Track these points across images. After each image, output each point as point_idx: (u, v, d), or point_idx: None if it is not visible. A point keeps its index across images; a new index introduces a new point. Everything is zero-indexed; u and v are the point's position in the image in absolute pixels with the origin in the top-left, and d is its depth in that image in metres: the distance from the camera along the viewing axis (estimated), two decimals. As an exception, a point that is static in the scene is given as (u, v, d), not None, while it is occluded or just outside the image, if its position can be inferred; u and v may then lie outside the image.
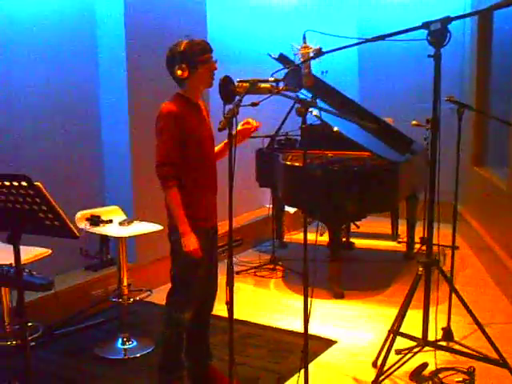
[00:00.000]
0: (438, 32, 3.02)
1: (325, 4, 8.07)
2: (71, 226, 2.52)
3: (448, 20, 2.99)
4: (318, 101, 5.32)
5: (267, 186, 6.19)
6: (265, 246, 6.57)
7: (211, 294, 3.44)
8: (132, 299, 4.15)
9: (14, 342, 3.34)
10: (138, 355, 4.00)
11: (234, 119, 2.72)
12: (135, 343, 4.12)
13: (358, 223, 7.11)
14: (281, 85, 3.06)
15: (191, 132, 3.08)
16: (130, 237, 4.02)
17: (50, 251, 3.45)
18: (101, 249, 4.87)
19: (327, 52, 3.59)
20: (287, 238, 6.83)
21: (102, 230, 4.01)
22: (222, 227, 6.14)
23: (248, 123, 3.33)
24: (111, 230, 3.99)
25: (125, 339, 4.11)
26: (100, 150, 5.10)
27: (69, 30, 4.80)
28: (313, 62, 8.02)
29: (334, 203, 4.90)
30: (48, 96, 4.66)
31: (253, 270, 5.82)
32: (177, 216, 3.06)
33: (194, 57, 3.06)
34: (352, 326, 4.45)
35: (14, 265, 2.91)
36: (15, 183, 2.38)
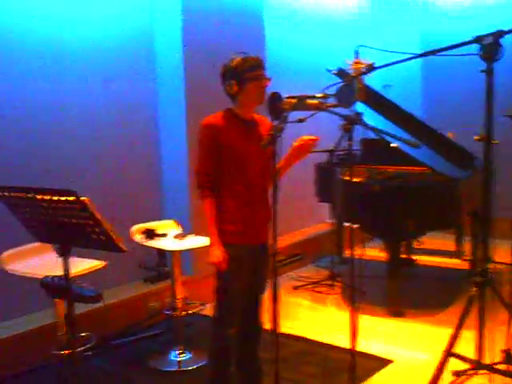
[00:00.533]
0: (489, 46, 2.94)
1: (387, 15, 8.00)
2: (117, 241, 2.57)
3: (500, 34, 2.90)
4: (372, 115, 5.29)
5: (326, 200, 6.14)
6: (325, 261, 6.51)
7: (256, 310, 3.39)
8: (185, 312, 4.18)
9: (67, 352, 3.40)
10: (192, 368, 4.03)
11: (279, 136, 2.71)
12: (189, 356, 4.16)
13: (420, 239, 6.96)
14: (329, 101, 3.03)
15: (228, 146, 3.08)
16: (183, 250, 4.05)
17: (104, 263, 3.52)
18: (159, 262, 4.94)
19: (379, 67, 3.56)
20: (348, 253, 6.74)
21: (156, 243, 4.07)
22: (281, 242, 6.23)
23: (303, 141, 3.29)
24: (165, 244, 4.04)
25: (179, 351, 4.16)
26: (159, 165, 5.20)
27: (128, 49, 4.95)
28: (375, 76, 7.97)
29: (392, 220, 4.82)
30: (108, 112, 4.82)
31: (311, 286, 5.77)
32: (207, 226, 3.10)
33: (244, 73, 3.07)
34: (409, 346, 4.35)
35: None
36: (63, 198, 2.45)
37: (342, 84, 4.13)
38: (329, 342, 4.41)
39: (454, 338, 3.23)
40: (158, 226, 4.26)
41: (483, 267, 3.24)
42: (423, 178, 5.11)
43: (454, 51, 2.99)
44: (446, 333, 4.32)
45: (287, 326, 4.72)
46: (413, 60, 3.49)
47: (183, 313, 4.17)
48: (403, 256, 6.31)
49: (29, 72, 4.28)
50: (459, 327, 3.24)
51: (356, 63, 4.04)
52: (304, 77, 6.49)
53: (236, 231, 3.15)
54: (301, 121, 2.88)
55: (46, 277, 2.95)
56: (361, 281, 5.80)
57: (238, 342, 3.36)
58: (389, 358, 4.13)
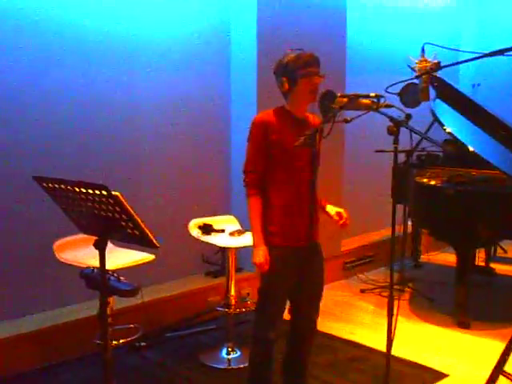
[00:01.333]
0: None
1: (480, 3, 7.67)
2: (151, 236, 2.58)
3: None
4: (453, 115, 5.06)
5: (402, 202, 5.95)
6: (399, 265, 6.32)
7: (307, 312, 3.31)
8: (238, 309, 4.16)
9: (115, 342, 3.46)
10: (242, 366, 4.00)
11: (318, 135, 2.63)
12: (239, 354, 4.14)
13: (505, 247, 6.64)
14: (382, 100, 2.91)
15: (278, 143, 3.00)
16: (239, 247, 4.03)
17: (153, 257, 3.54)
18: (222, 256, 4.95)
19: (445, 66, 3.36)
20: (424, 258, 6.53)
21: (211, 238, 4.06)
22: (353, 243, 6.12)
23: (339, 215, 3.21)
24: (219, 240, 4.03)
25: (229, 349, 4.15)
26: (228, 161, 5.20)
27: (204, 45, 4.99)
28: (465, 75, 7.66)
29: (464, 226, 4.61)
30: (181, 107, 4.88)
31: (378, 290, 5.62)
32: (251, 226, 3.05)
33: (295, 70, 2.99)
34: (468, 360, 4.13)
35: (111, 270, 3.08)
36: (97, 192, 2.48)
37: (406, 83, 4.00)
38: (383, 351, 4.25)
39: (504, 355, 3.03)
40: (216, 221, 4.26)
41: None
42: (502, 183, 4.85)
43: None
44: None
45: (346, 331, 4.62)
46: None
47: (237, 310, 4.16)
48: (480, 264, 6.06)
49: (105, 68, 4.38)
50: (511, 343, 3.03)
51: (422, 61, 3.86)
52: (388, 69, 6.30)
53: (281, 232, 3.07)
54: (346, 121, 2.78)
55: (88, 268, 3.01)
56: (432, 287, 5.67)
57: (287, 343, 3.31)
58: (445, 371, 3.94)
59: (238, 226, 4.29)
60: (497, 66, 7.16)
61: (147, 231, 2.55)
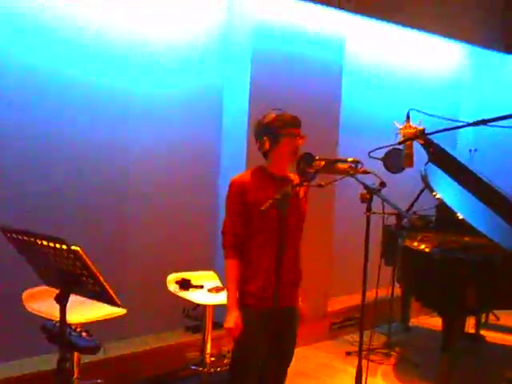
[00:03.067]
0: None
1: (480, 76, 7.71)
2: (112, 294, 2.52)
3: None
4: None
5: (392, 264, 5.86)
6: (386, 328, 6.19)
7: (276, 379, 3.21)
8: (213, 369, 4.06)
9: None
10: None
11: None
12: (212, 415, 4.02)
13: (497, 314, 6.50)
14: (359, 166, 2.87)
15: (254, 204, 2.94)
16: (215, 305, 3.96)
17: (125, 311, 3.46)
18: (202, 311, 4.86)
19: (430, 133, 3.35)
20: (414, 321, 6.40)
21: (189, 294, 4.00)
22: (339, 303, 6.01)
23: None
24: (197, 296, 3.96)
25: (202, 409, 4.04)
26: (215, 214, 5.15)
27: (198, 101, 5.02)
28: (463, 138, 7.66)
29: (450, 294, 4.50)
30: (171, 157, 4.90)
31: (365, 353, 5.47)
32: (227, 289, 3.00)
33: (277, 130, 2.97)
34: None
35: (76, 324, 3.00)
36: (57, 245, 2.43)
37: (390, 148, 3.96)
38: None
39: None
40: (195, 276, 4.20)
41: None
42: (494, 251, 4.76)
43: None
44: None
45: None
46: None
47: (211, 370, 4.06)
48: (470, 331, 5.93)
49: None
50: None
51: (406, 127, 3.84)
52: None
53: (259, 294, 3.00)
54: (320, 186, 2.74)
55: (49, 320, 2.93)
56: (419, 352, 5.53)
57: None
58: None
59: (217, 283, 4.23)
60: (495, 132, 7.17)
61: (108, 288, 2.49)
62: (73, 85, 4.25)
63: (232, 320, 2.93)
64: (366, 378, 2.92)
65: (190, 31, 4.90)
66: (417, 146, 4.87)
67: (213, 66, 5.08)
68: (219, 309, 4.28)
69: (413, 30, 6.22)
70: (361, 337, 2.86)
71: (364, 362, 5.15)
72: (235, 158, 5.03)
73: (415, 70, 7.14)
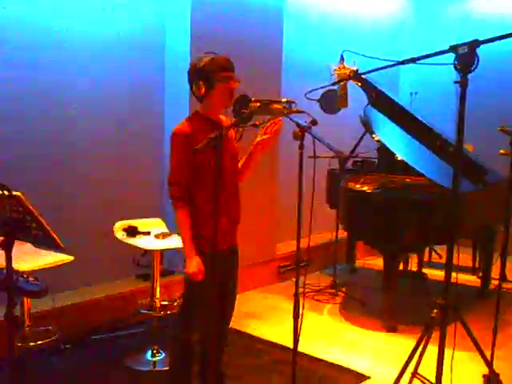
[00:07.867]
0: (465, 56, 2.78)
1: (420, 21, 7.84)
2: (54, 236, 2.56)
3: (476, 43, 2.75)
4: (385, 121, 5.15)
5: (336, 208, 6.03)
6: (332, 269, 6.39)
7: (223, 313, 3.33)
8: (163, 312, 4.16)
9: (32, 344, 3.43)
10: (166, 368, 3.97)
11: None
12: (164, 355, 4.13)
13: (440, 253, 6.76)
14: (293, 106, 2.95)
15: (203, 151, 3.00)
16: (163, 250, 4.04)
17: (72, 258, 3.53)
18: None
19: (363, 73, 3.45)
20: (359, 263, 6.62)
21: (135, 241, 4.05)
22: (288, 247, 6.15)
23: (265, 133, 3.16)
24: (143, 242, 4.02)
25: (154, 351, 4.14)
26: (162, 163, 5.20)
27: (140, 43, 5.04)
28: (405, 82, 7.79)
29: (389, 232, 4.68)
30: (120, 96, 4.95)
31: (312, 293, 5.67)
32: (182, 238, 3.04)
33: (212, 74, 2.99)
34: (391, 363, 4.18)
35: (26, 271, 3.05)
36: (-1, 192, 2.45)
37: (325, 90, 4.06)
38: (307, 353, 4.30)
39: (412, 358, 3.11)
40: (142, 223, 4.25)
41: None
42: (432, 190, 4.94)
43: (432, 60, 2.84)
44: (433, 351, 4.21)
45: (273, 333, 4.65)
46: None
47: (161, 312, 4.16)
48: (413, 269, 6.18)
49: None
50: (419, 349, 3.11)
51: (340, 68, 3.92)
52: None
53: (210, 238, 3.07)
54: (255, 126, 2.82)
55: (-3, 269, 2.97)
56: (365, 292, 5.74)
57: (203, 345, 3.32)
58: (366, 373, 4.01)
59: (164, 229, 4.29)
60: (436, 75, 7.34)
61: (50, 231, 2.54)
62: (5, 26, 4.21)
63: (194, 265, 3.00)
64: (302, 314, 3.00)
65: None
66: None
67: (153, 7, 5.10)
68: (169, 256, 4.39)
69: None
70: (297, 274, 2.94)
71: (312, 301, 5.45)
72: (178, 106, 5.05)
73: (359, 13, 7.24)
